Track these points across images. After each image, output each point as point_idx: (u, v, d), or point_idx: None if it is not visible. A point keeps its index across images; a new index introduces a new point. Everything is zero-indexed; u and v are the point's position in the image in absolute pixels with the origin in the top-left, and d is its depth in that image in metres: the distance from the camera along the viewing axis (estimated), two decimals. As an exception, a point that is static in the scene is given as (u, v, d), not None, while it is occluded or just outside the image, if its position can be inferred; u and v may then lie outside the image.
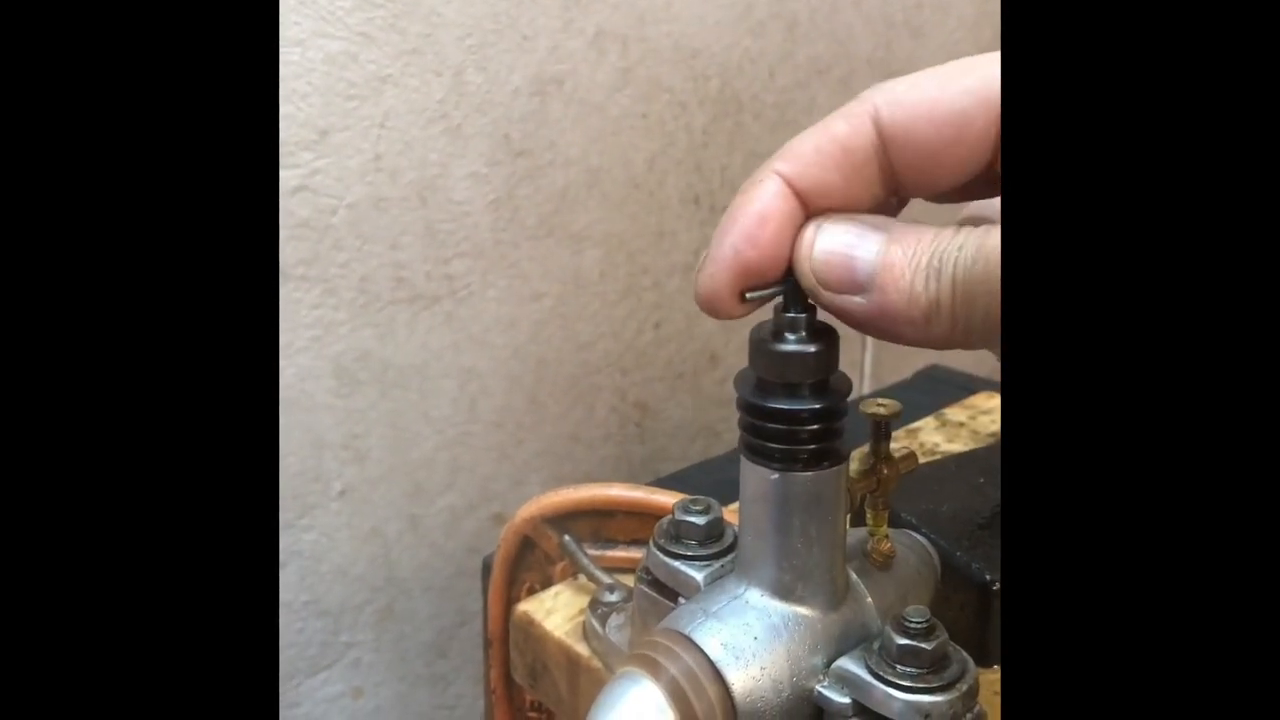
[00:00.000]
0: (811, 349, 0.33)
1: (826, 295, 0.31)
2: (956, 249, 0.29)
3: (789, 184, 0.32)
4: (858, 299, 0.31)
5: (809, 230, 0.32)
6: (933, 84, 0.32)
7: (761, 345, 0.34)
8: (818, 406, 0.34)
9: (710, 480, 0.62)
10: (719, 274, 0.32)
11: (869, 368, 0.93)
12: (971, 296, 0.29)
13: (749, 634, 0.34)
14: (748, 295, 0.33)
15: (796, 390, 0.34)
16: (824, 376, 0.34)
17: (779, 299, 0.34)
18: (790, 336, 0.33)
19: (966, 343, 0.31)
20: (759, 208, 0.32)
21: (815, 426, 0.34)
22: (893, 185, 0.33)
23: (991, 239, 0.28)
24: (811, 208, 0.32)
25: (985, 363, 0.65)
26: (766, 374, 0.34)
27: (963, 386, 0.68)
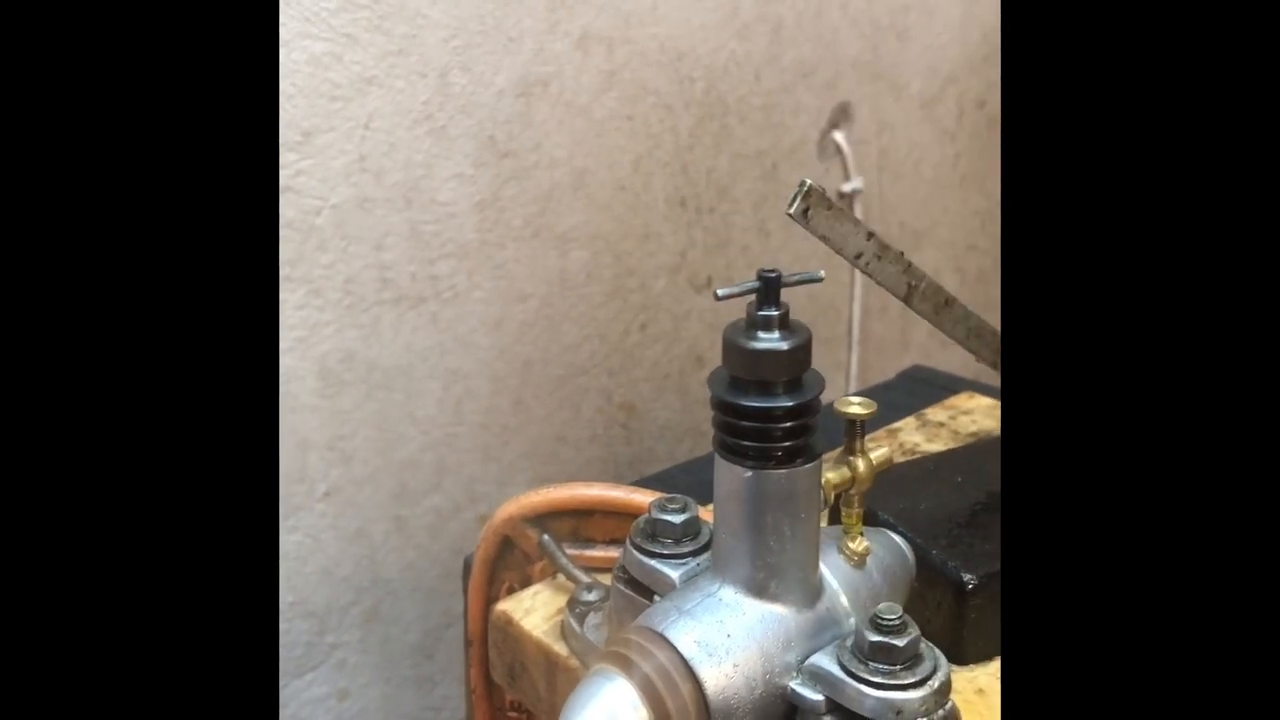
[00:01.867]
0: (784, 346, 0.33)
1: None
2: None
3: None
4: None
5: None
6: None
7: (734, 342, 0.34)
8: (791, 404, 0.34)
9: (693, 480, 0.62)
10: None
11: (854, 369, 0.94)
12: None
13: (722, 631, 0.34)
14: (720, 292, 0.33)
15: (770, 388, 0.34)
16: (797, 374, 0.34)
17: (752, 296, 0.34)
18: (763, 334, 0.33)
19: None
20: None
21: (788, 424, 0.34)
22: None
23: None
24: None
25: (969, 364, 0.65)
26: (739, 371, 0.34)
27: (945, 386, 0.68)
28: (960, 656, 0.43)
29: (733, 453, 0.35)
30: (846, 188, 0.90)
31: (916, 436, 0.59)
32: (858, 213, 0.89)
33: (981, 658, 0.44)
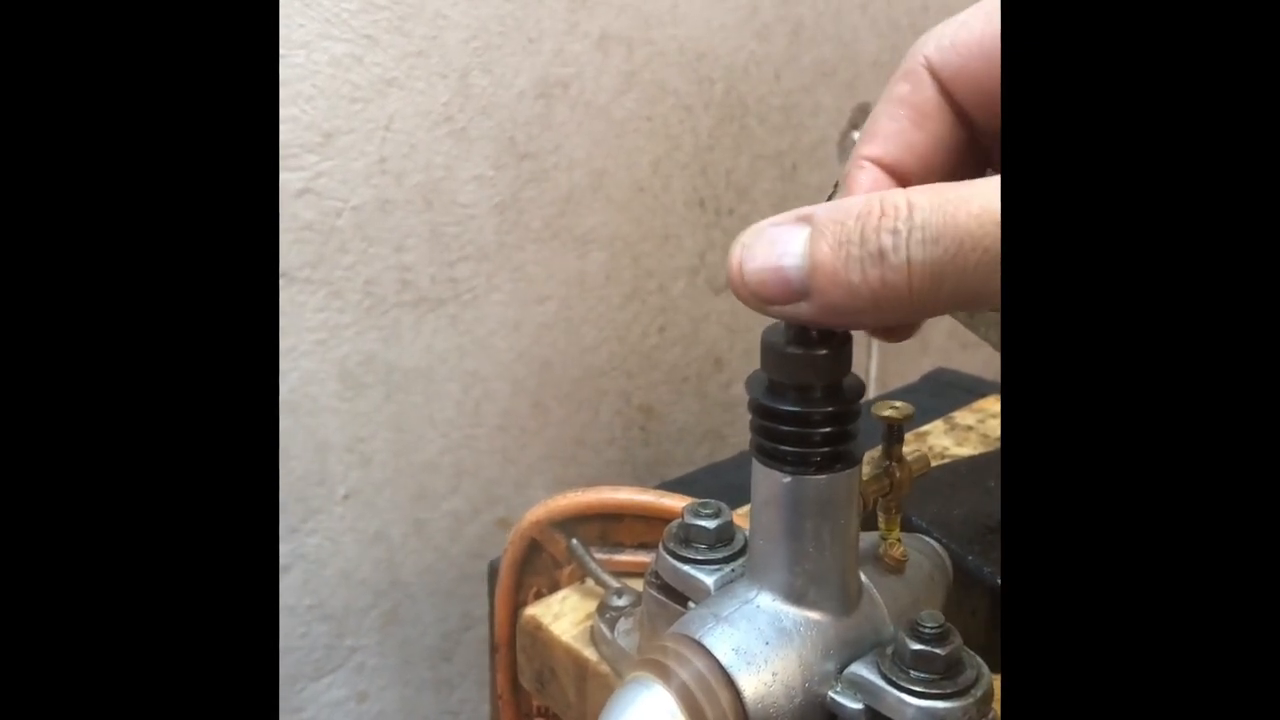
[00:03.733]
0: (823, 351, 0.33)
1: (774, 309, 0.30)
2: (905, 228, 0.27)
3: (879, 164, 0.32)
4: (804, 305, 0.30)
5: (735, 251, 0.31)
6: (979, 20, 0.32)
7: (774, 347, 0.33)
8: (830, 409, 0.33)
9: (718, 484, 0.61)
10: None
11: (874, 371, 0.93)
12: (938, 278, 0.27)
13: (760, 639, 0.34)
14: None
15: (809, 393, 0.33)
16: (837, 379, 0.34)
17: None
18: (803, 338, 0.33)
19: (934, 314, 0.30)
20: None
21: (828, 429, 0.34)
22: (970, 125, 0.33)
23: (961, 215, 0.27)
24: (905, 177, 0.33)
25: (993, 366, 0.65)
26: (779, 376, 0.34)
27: (970, 390, 0.68)
28: (998, 663, 0.43)
29: (771, 458, 0.34)
30: (866, 189, 0.89)
31: (946, 440, 0.59)
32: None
33: (1016, 664, 0.44)
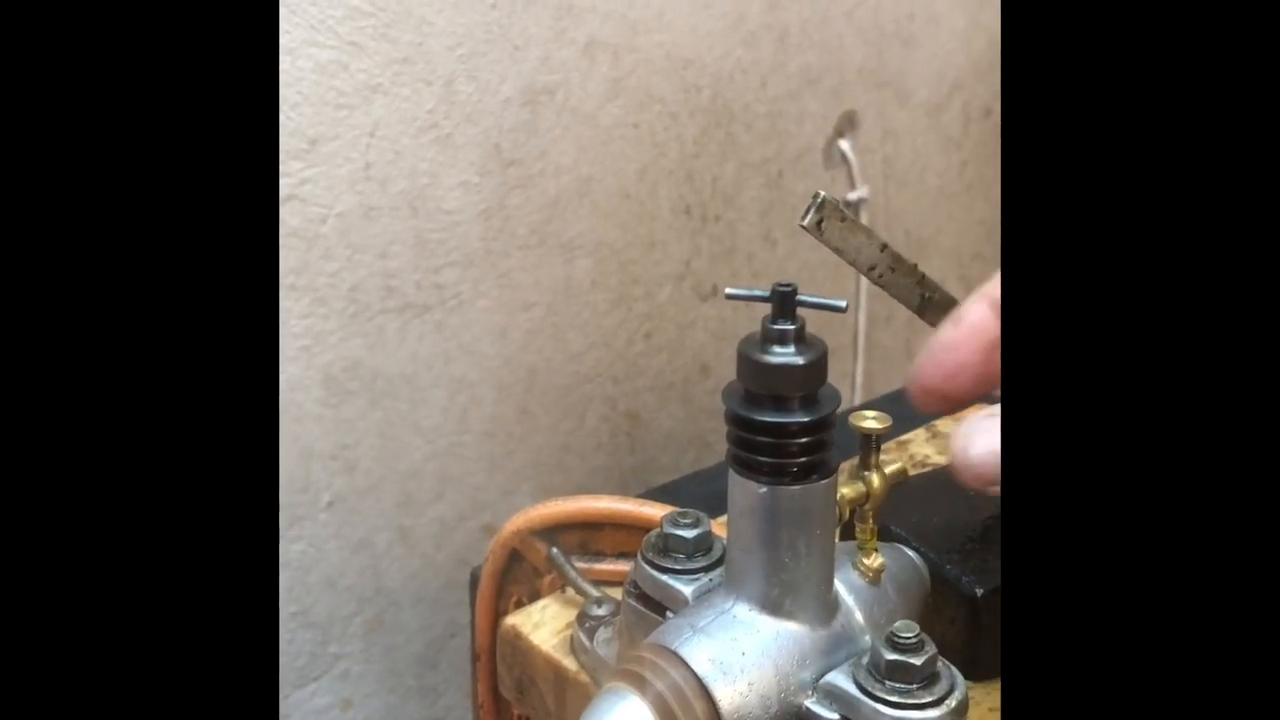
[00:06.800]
0: (800, 361, 0.33)
1: (993, 490, 0.36)
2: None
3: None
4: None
5: (958, 440, 0.37)
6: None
7: (749, 357, 0.34)
8: (806, 419, 0.33)
9: (701, 492, 0.61)
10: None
11: (860, 379, 0.93)
12: None
13: (736, 649, 0.34)
14: (729, 291, 0.33)
15: (785, 403, 0.34)
16: (812, 389, 0.34)
17: (762, 302, 0.33)
18: (778, 348, 0.33)
19: None
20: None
21: (804, 440, 0.34)
22: None
23: None
24: None
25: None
26: (754, 386, 0.34)
27: (954, 398, 0.68)
28: (975, 672, 0.43)
29: (747, 468, 0.35)
30: (852, 196, 0.89)
31: (927, 448, 0.59)
32: (863, 221, 0.89)
33: (997, 674, 0.44)
